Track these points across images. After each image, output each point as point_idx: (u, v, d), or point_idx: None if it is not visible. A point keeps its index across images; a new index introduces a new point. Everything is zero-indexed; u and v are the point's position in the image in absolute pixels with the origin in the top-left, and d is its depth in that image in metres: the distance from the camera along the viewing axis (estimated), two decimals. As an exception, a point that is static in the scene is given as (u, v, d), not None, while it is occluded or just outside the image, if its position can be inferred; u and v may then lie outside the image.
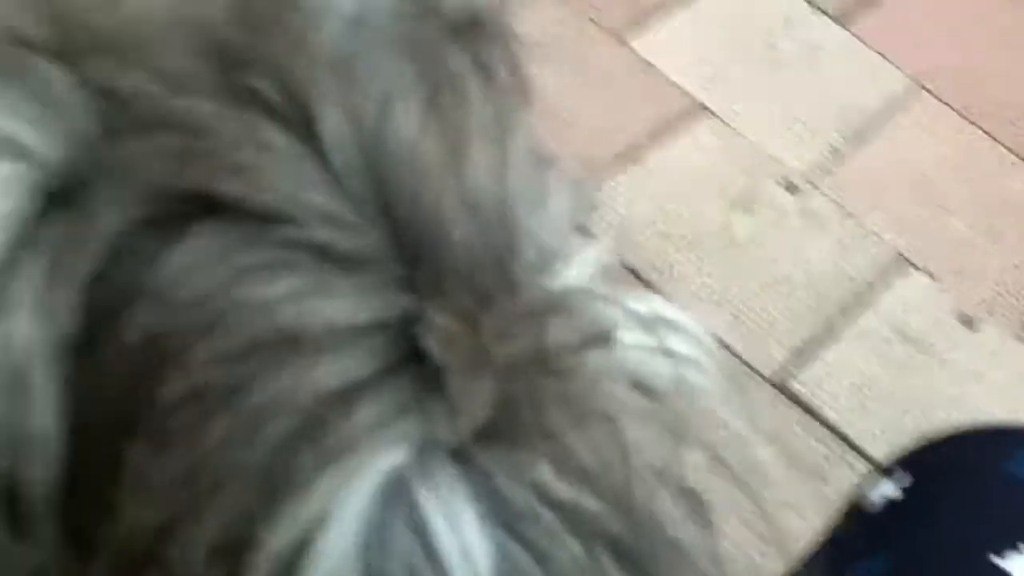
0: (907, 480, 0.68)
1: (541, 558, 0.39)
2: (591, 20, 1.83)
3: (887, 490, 0.68)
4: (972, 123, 1.87)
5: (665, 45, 1.84)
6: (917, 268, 1.67)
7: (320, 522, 0.37)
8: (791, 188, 1.73)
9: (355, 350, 0.37)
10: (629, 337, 0.43)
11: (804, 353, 1.55)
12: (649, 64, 1.81)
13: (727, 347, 1.53)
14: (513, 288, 0.39)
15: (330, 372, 0.37)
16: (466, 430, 0.38)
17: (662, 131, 1.73)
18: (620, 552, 0.40)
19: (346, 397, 0.37)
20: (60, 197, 0.38)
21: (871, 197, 1.74)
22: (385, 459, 0.37)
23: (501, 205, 0.41)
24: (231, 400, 0.37)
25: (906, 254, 1.68)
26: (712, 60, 1.85)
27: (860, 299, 1.62)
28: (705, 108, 1.78)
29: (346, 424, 0.37)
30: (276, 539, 0.37)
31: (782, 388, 1.51)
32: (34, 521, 0.38)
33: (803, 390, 1.52)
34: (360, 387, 0.37)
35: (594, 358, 0.41)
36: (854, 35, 1.95)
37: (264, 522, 0.37)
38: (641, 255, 1.58)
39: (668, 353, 0.44)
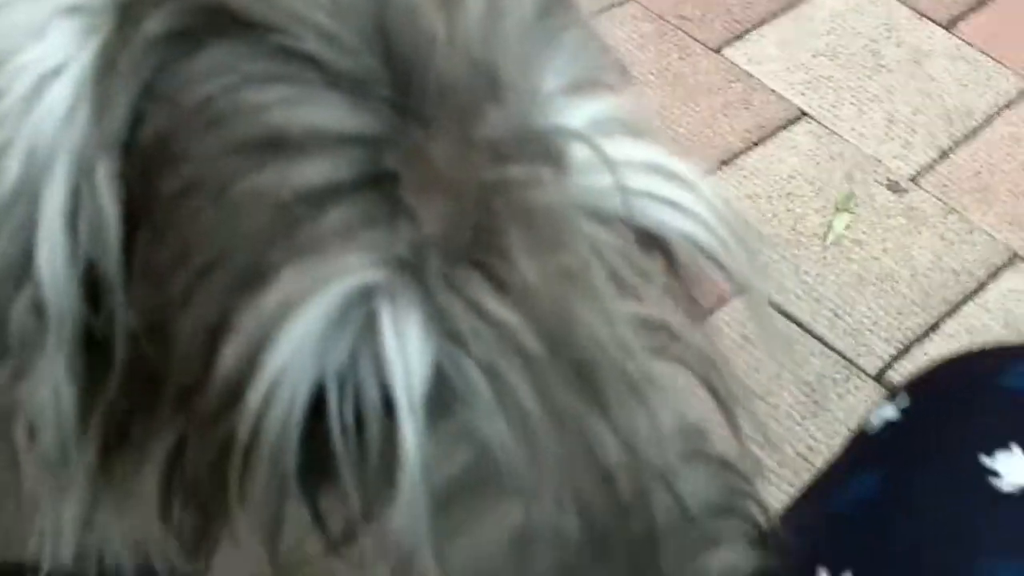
0: (905, 401, 0.68)
1: (477, 368, 0.42)
2: (686, 33, 1.86)
3: (887, 413, 0.68)
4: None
5: (763, 55, 1.86)
6: (1028, 263, 1.63)
7: (285, 312, 0.41)
8: (893, 187, 1.71)
9: (334, 158, 0.42)
10: (600, 177, 0.46)
11: (909, 349, 1.53)
12: (747, 73, 1.82)
13: (828, 345, 1.52)
14: (484, 121, 0.43)
15: (308, 173, 0.42)
16: (419, 244, 0.41)
17: (760, 136, 1.74)
18: (555, 368, 0.43)
19: (320, 199, 0.42)
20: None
21: (977, 194, 1.71)
22: (347, 265, 0.41)
23: (488, 49, 0.45)
24: (220, 193, 0.42)
25: (1015, 248, 1.64)
26: (811, 67, 1.85)
27: (967, 294, 1.59)
28: (804, 113, 1.78)
29: (317, 225, 0.42)
30: (247, 323, 0.41)
31: (886, 384, 1.49)
32: (106, 294, 0.44)
33: (907, 385, 1.49)
34: (333, 192, 0.42)
35: (556, 190, 0.44)
36: (959, 38, 1.92)
37: (239, 307, 0.41)
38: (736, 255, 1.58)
39: (654, 197, 0.47)
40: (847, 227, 1.65)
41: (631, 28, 1.84)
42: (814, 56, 1.87)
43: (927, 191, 1.71)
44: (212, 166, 0.42)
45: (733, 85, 1.81)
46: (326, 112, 0.42)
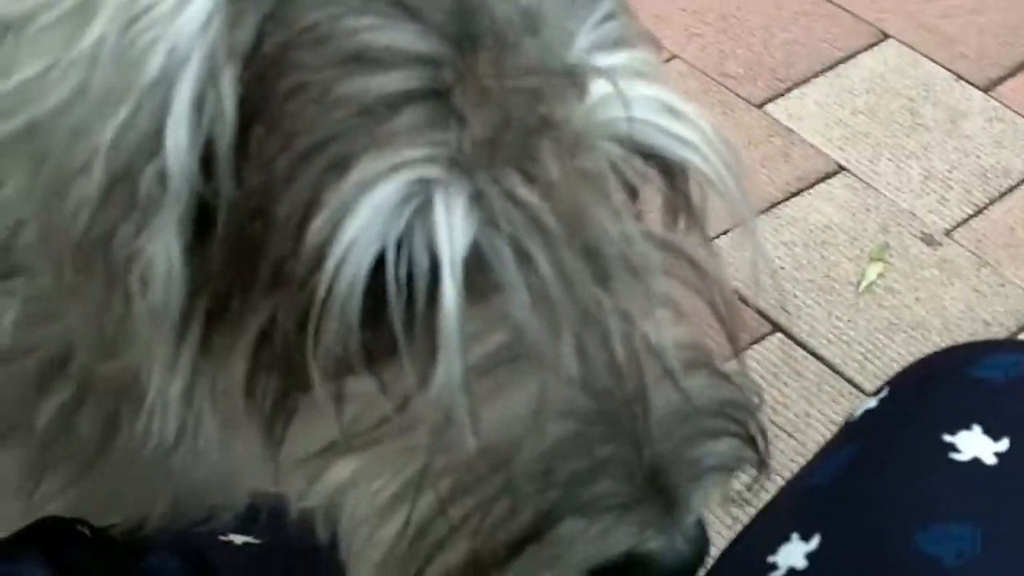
0: (885, 393, 0.74)
1: (506, 242, 0.53)
2: (730, 90, 1.94)
3: (869, 404, 0.74)
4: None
5: (803, 111, 1.93)
6: (1060, 317, 1.67)
7: (362, 190, 0.52)
8: (928, 240, 1.76)
9: (406, 71, 0.53)
10: (615, 107, 0.56)
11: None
12: (788, 129, 1.89)
13: (857, 386, 1.56)
14: (523, 50, 0.55)
15: (386, 82, 0.53)
16: (468, 144, 0.53)
17: (799, 187, 1.80)
18: (569, 244, 0.53)
19: (394, 103, 0.53)
20: None
21: (1011, 249, 1.75)
22: (412, 157, 0.52)
23: (539, 3, 0.56)
24: (322, 95, 0.53)
25: (1046, 301, 1.68)
26: (850, 124, 1.92)
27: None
28: (842, 168, 1.84)
29: (390, 124, 0.53)
30: (332, 199, 0.52)
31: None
32: (219, 168, 0.54)
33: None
34: (404, 98, 0.53)
35: (580, 111, 0.55)
36: (997, 100, 1.98)
37: (328, 186, 0.53)
38: (770, 298, 1.64)
39: (659, 128, 0.58)
40: (880, 275, 1.70)
41: (677, 84, 1.92)
42: (853, 114, 1.94)
43: (961, 245, 1.76)
44: (316, 74, 0.53)
45: (773, 139, 1.88)
46: (402, 36, 0.53)
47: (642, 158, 0.57)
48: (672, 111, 0.58)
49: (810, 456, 1.48)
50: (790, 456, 1.48)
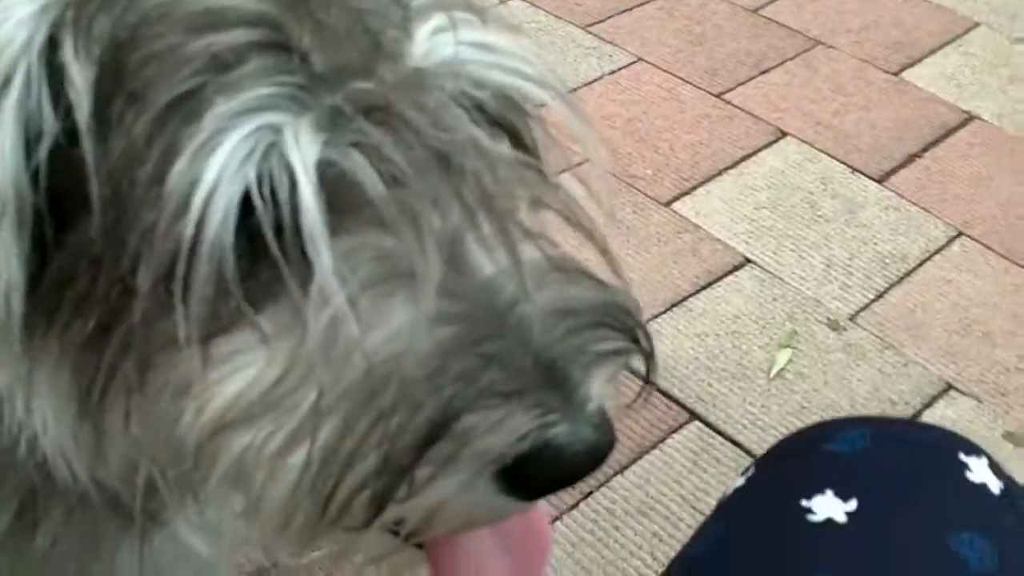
0: (752, 471, 0.81)
1: (360, 151, 0.57)
2: (639, 190, 2.02)
3: (738, 482, 0.81)
4: (1016, 264, 1.97)
5: (709, 208, 2.01)
6: (962, 392, 1.75)
7: (219, 130, 0.56)
8: (833, 326, 1.84)
9: (250, 28, 0.58)
10: (448, 43, 0.62)
11: (849, 472, 1.63)
12: (695, 225, 1.98)
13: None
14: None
15: (233, 36, 0.58)
16: (312, 78, 0.58)
17: (707, 280, 1.88)
18: (422, 148, 0.58)
19: (242, 52, 0.58)
20: None
21: (912, 331, 1.84)
22: (262, 95, 0.57)
23: None
24: (173, 53, 0.58)
25: (948, 379, 1.76)
26: (754, 219, 2.01)
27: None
28: (748, 260, 1.93)
29: (240, 69, 0.58)
30: (189, 144, 0.56)
31: (828, 505, 1.59)
32: (84, 147, 0.58)
33: (848, 505, 1.59)
34: (251, 47, 0.58)
35: (416, 49, 0.61)
36: (891, 190, 2.09)
37: (185, 134, 0.56)
38: (686, 388, 1.70)
39: (491, 64, 0.63)
40: (789, 362, 1.77)
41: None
42: (756, 209, 2.03)
43: (865, 328, 1.84)
44: (165, 40, 0.58)
45: (682, 236, 1.96)
46: (252, 2, 0.59)
47: (477, 89, 0.62)
48: (494, 47, 0.63)
49: (731, 539, 1.53)
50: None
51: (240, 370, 0.59)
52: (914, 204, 2.07)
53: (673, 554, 1.51)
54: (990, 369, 1.78)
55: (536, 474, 0.57)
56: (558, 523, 1.51)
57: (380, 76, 0.58)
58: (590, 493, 1.56)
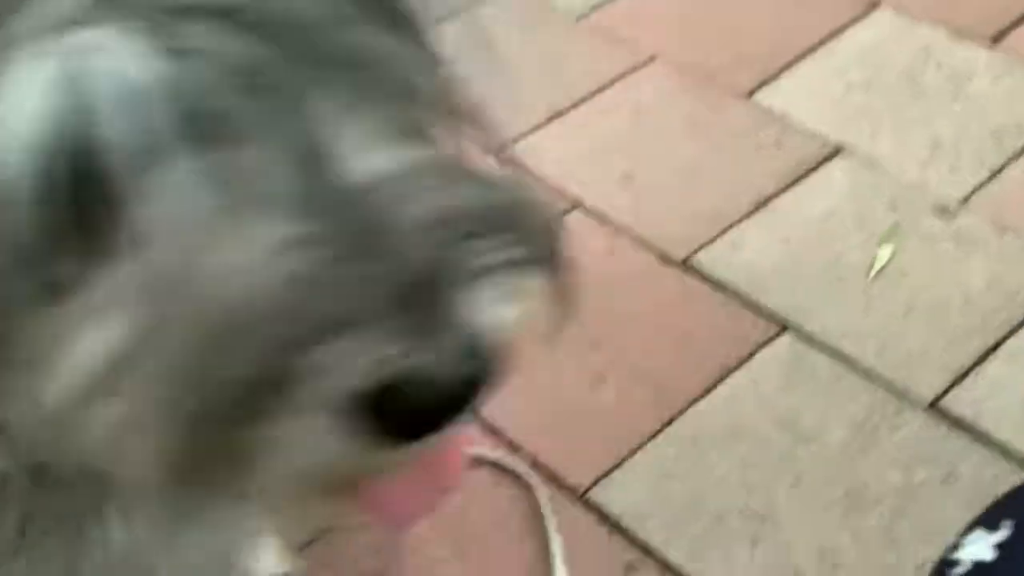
0: (1007, 531, 0.64)
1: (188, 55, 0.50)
2: (715, 83, 1.84)
3: (980, 549, 0.64)
4: None
5: (793, 96, 1.82)
6: (1094, 276, 1.54)
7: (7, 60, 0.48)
8: (941, 213, 1.64)
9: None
10: None
11: (966, 375, 1.45)
12: (779, 115, 1.79)
13: (877, 377, 1.45)
14: None
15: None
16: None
17: (794, 177, 1.70)
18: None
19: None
20: None
21: (1032, 209, 1.63)
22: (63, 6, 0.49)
23: None
24: None
25: (1076, 261, 1.55)
26: (844, 102, 1.81)
27: (1026, 314, 1.50)
28: (840, 149, 1.73)
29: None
30: None
31: (943, 413, 1.41)
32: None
33: (967, 412, 1.41)
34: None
35: None
36: (1005, 54, 1.85)
37: None
38: (774, 297, 1.54)
39: None
40: (892, 258, 1.58)
41: (658, 84, 1.83)
42: (847, 91, 1.83)
43: (978, 213, 1.64)
44: None
45: (764, 130, 1.77)
46: None
47: None
48: None
49: (834, 465, 1.37)
50: (810, 463, 1.37)
51: (87, 332, 0.53)
52: (1030, 66, 1.84)
53: (765, 482, 1.36)
54: None
55: (392, 413, 0.50)
56: (638, 453, 1.38)
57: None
58: (670, 421, 1.41)
